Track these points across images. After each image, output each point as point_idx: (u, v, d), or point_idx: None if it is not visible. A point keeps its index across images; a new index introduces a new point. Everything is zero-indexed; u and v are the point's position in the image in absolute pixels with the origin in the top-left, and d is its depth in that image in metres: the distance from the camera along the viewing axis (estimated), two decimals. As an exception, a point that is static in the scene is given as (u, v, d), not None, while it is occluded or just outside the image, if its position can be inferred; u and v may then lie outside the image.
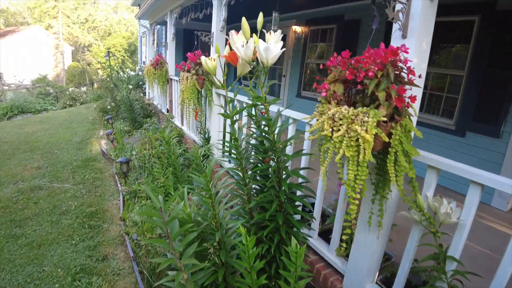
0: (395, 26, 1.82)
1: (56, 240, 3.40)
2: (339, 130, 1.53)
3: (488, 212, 3.95)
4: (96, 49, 34.80)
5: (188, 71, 4.62)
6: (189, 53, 4.63)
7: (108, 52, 14.96)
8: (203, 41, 4.74)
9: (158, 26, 11.61)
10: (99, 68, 30.20)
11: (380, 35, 5.70)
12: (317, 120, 1.67)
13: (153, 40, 10.46)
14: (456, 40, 4.82)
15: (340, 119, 1.53)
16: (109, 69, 11.28)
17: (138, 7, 13.65)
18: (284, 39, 8.45)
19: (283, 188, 1.98)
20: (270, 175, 2.05)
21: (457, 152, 4.69)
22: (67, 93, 17.83)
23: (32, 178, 5.20)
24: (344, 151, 1.50)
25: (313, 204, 2.64)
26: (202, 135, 4.82)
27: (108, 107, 9.35)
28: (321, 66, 1.73)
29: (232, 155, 2.19)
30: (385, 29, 5.17)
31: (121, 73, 11.48)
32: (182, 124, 6.37)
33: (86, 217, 3.85)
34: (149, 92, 9.63)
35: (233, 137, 2.09)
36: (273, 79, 9.07)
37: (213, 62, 1.90)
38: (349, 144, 1.49)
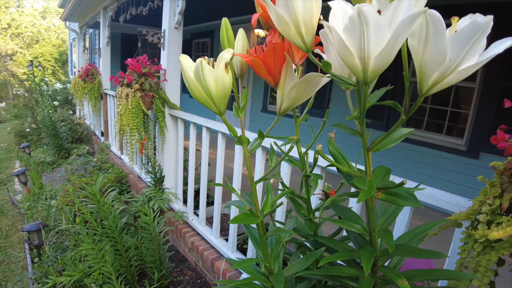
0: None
1: None
2: None
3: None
4: (21, 59, 30.98)
5: (129, 85, 3.18)
6: (129, 59, 3.21)
7: (32, 61, 12.74)
8: (150, 43, 3.35)
9: (91, 30, 9.81)
10: (24, 80, 26.82)
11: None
12: None
13: (84, 47, 8.71)
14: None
15: None
16: (29, 82, 9.27)
17: (66, 9, 11.68)
18: (244, 44, 7.23)
19: None
20: None
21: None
22: (-20, 109, 14.98)
23: None
24: None
25: None
26: (152, 174, 3.40)
27: (27, 129, 7.43)
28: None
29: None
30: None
31: (45, 86, 9.49)
32: (122, 152, 4.85)
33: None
34: (79, 109, 7.87)
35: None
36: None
37: (222, 72, 0.58)
38: None
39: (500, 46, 0.48)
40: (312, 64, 0.82)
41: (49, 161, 5.73)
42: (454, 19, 0.50)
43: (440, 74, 0.50)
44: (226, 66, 0.58)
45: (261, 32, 6.36)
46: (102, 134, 5.80)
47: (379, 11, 0.47)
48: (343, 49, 0.47)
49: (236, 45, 0.77)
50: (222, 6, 6.38)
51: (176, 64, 3.25)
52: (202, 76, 0.57)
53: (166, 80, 3.17)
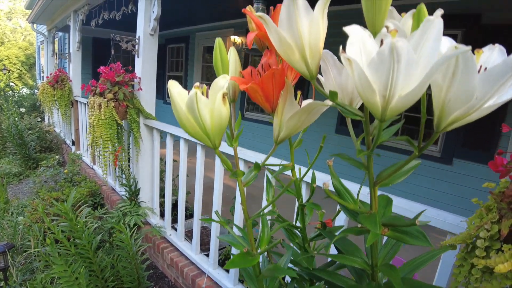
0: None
1: None
2: None
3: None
4: (-16, 61, 29.60)
5: (102, 94, 3.04)
6: (102, 67, 3.07)
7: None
8: (123, 54, 3.21)
9: (60, 33, 9.44)
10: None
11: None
12: None
13: (53, 51, 8.36)
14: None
15: None
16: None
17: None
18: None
19: None
20: None
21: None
22: None
23: None
24: None
25: None
26: (126, 187, 3.25)
27: (-9, 137, 7.04)
28: None
29: None
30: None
31: (10, 91, 9.04)
32: (94, 163, 4.65)
33: None
34: (48, 116, 7.54)
35: None
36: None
37: (220, 104, 0.51)
38: None
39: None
40: (304, 81, 0.77)
41: (16, 172, 5.43)
42: (479, 52, 0.45)
43: (462, 112, 0.45)
44: (223, 97, 0.51)
45: (237, 39, 6.31)
46: (73, 143, 5.56)
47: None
48: (364, 85, 0.41)
49: (231, 68, 0.70)
50: (198, 12, 6.29)
51: (152, 72, 3.13)
52: (196, 110, 0.49)
53: (141, 89, 3.05)
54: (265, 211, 0.72)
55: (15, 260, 2.77)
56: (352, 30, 0.43)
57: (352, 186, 1.41)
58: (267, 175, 0.81)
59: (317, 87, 0.57)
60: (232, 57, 0.71)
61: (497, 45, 0.50)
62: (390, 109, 0.44)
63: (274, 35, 0.54)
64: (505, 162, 0.85)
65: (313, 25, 0.51)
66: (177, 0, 3.94)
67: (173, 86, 0.53)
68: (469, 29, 3.99)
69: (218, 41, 0.60)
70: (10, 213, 3.70)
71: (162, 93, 9.09)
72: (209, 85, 0.53)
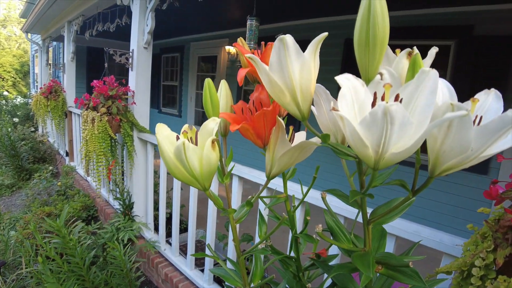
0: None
1: None
2: None
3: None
4: (-22, 70, 29.38)
5: (95, 108, 3.02)
6: (96, 81, 3.04)
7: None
8: (118, 63, 3.18)
9: (54, 43, 9.40)
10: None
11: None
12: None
13: (47, 60, 8.32)
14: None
15: None
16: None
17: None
18: (214, 61, 7.17)
19: None
20: None
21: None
22: None
23: None
24: None
25: None
26: (120, 201, 3.22)
27: (-17, 148, 6.97)
28: None
29: None
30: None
31: (4, 101, 8.97)
32: (88, 174, 4.60)
33: None
34: (42, 126, 7.49)
35: None
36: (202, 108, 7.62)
37: (209, 151, 0.49)
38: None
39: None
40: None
41: (8, 183, 5.36)
42: (474, 101, 0.44)
43: (457, 161, 0.44)
44: (212, 143, 0.50)
45: (231, 49, 6.32)
46: (67, 154, 5.51)
47: (397, 97, 0.40)
48: (356, 141, 0.40)
49: (221, 99, 0.69)
50: (194, 22, 6.30)
51: (146, 86, 3.12)
52: (184, 158, 0.48)
53: (134, 103, 3.03)
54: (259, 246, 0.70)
55: (7, 277, 2.72)
56: (344, 80, 0.42)
57: (348, 206, 1.40)
58: (259, 209, 0.79)
59: (309, 128, 0.56)
60: (223, 91, 0.70)
61: (493, 89, 0.49)
62: (383, 161, 0.43)
63: (265, 77, 0.53)
64: (501, 191, 0.84)
65: (304, 68, 0.50)
66: (171, 11, 3.94)
67: (160, 132, 0.52)
68: (462, 40, 4.02)
69: (208, 81, 0.59)
70: (2, 228, 3.64)
71: (157, 102, 9.06)
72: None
